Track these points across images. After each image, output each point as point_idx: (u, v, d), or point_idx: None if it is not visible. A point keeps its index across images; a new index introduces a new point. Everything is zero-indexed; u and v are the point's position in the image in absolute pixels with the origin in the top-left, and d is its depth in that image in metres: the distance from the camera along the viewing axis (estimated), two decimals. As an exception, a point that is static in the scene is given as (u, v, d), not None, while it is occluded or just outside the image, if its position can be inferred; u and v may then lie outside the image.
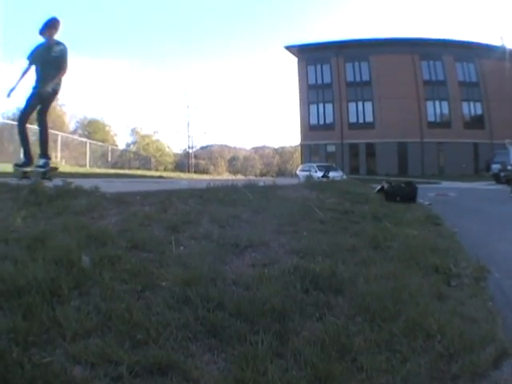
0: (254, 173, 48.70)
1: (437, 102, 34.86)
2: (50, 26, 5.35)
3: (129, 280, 1.94)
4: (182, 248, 2.62)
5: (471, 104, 34.71)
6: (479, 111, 34.70)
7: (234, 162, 56.90)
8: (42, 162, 5.39)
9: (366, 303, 2.03)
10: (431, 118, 34.82)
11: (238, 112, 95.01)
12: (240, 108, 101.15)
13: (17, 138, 6.15)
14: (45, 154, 5.49)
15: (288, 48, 37.96)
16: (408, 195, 8.34)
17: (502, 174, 17.31)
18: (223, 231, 3.13)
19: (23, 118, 5.53)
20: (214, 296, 1.92)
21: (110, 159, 24.85)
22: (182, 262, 2.31)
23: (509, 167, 14.08)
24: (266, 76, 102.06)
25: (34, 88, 5.41)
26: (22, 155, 5.77)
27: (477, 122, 34.12)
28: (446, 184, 21.27)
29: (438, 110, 35.15)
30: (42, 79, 5.32)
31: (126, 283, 1.91)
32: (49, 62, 5.29)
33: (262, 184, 7.01)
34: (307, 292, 2.15)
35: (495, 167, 19.81)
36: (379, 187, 9.45)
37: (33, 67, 5.45)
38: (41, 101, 5.36)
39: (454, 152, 32.76)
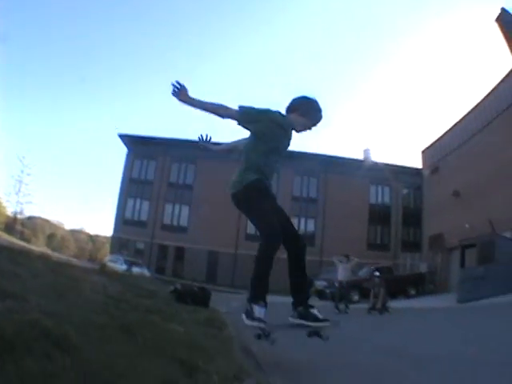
0: (68, 254, 46.86)
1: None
2: (310, 115, 3.29)
3: None
4: None
5: (302, 220, 33.99)
6: (311, 228, 34.45)
7: (52, 239, 58.70)
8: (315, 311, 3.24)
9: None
10: (251, 231, 31.92)
11: (65, 187, 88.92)
12: (67, 184, 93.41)
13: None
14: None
15: (121, 136, 36.23)
16: (199, 299, 8.51)
17: (328, 291, 18.16)
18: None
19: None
20: None
21: None
22: None
23: (335, 284, 14.11)
24: (101, 161, 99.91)
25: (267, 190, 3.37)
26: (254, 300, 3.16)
27: (307, 239, 31.96)
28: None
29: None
30: (270, 172, 3.38)
31: None
32: (285, 149, 3.39)
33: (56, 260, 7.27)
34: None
35: (320, 284, 20.38)
36: (173, 288, 10.05)
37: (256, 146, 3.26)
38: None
39: (274, 267, 31.90)
